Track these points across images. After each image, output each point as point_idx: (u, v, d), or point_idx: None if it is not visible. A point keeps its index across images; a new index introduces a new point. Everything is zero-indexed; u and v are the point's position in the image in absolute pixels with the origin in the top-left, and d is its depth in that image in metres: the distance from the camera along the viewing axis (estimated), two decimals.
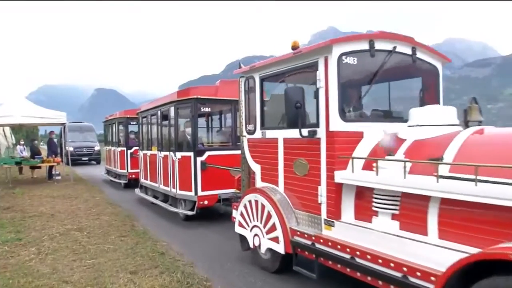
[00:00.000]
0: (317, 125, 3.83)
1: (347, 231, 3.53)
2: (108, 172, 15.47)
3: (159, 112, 8.58)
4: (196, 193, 7.18)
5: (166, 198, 8.59)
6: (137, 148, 12.72)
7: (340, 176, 3.60)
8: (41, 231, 6.83)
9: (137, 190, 10.73)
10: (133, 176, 12.80)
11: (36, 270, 4.82)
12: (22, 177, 16.44)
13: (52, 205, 9.43)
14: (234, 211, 5.30)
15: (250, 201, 4.72)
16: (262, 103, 4.88)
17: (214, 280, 4.47)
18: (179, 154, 7.52)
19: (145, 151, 9.80)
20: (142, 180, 10.12)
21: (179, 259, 5.24)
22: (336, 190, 3.66)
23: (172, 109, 7.76)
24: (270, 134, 4.63)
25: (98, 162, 24.54)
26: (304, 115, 3.95)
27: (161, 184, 8.55)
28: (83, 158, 24.40)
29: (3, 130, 22.58)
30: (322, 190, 3.80)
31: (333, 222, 3.69)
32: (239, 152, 5.48)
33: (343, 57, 3.68)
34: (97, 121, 23.62)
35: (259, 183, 4.87)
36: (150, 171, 9.31)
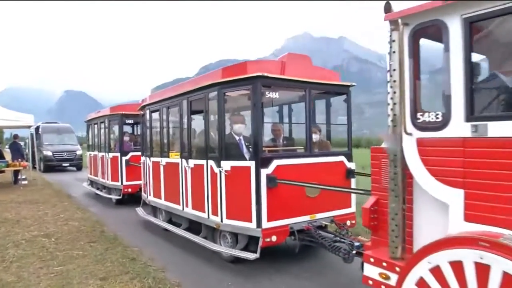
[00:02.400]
0: None
1: None
2: (92, 183, 12.51)
3: (184, 103, 5.93)
4: (259, 224, 4.63)
5: (193, 225, 5.98)
6: (135, 154, 10.06)
7: None
8: (5, 238, 6.56)
9: (140, 210, 8.01)
10: (129, 189, 10.01)
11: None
12: None
13: (17, 211, 9.03)
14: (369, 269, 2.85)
15: (456, 269, 2.28)
16: (470, 67, 2.45)
17: (186, 285, 4.48)
18: (226, 164, 4.94)
19: (155, 158, 7.09)
20: (150, 198, 7.40)
21: (151, 264, 5.19)
22: None
23: (213, 95, 5.16)
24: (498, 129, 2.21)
25: (79, 168, 21.54)
26: None
27: (188, 206, 5.90)
28: (64, 164, 21.12)
29: None
30: None
31: None
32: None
33: None
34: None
35: (456, 224, 2.44)
36: (166, 187, 6.64)
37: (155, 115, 7.27)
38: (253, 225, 4.66)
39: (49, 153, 20.74)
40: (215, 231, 5.40)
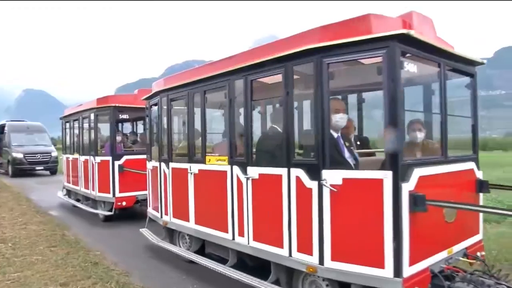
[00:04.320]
0: None
1: None
2: (70, 193, 10.17)
3: (238, 84, 4.02)
4: (398, 272, 2.87)
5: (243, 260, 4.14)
6: (132, 157, 7.98)
7: None
8: None
9: (147, 233, 6.02)
10: (124, 203, 7.89)
11: None
12: None
13: None
14: None
15: None
16: None
17: None
18: (331, 175, 3.14)
19: (179, 165, 5.12)
20: (167, 218, 5.38)
21: (114, 268, 5.05)
22: None
23: (303, 68, 3.36)
24: None
25: (54, 172, 18.76)
26: None
27: (244, 236, 3.98)
28: (37, 168, 18.23)
29: None
30: None
31: None
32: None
33: None
34: None
35: None
36: (200, 205, 4.66)
37: (178, 105, 5.32)
38: (387, 272, 2.89)
39: (20, 155, 17.79)
40: (298, 276, 3.59)
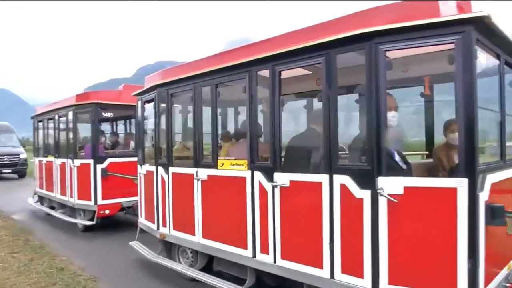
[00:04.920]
0: None
1: None
2: (43, 199, 9.18)
3: (263, 75, 3.49)
4: None
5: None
6: (116, 160, 7.21)
7: None
8: None
9: (138, 246, 5.33)
10: (107, 211, 7.09)
11: None
12: None
13: None
14: None
15: None
16: None
17: None
18: (391, 184, 2.64)
19: (182, 170, 4.47)
20: (165, 230, 4.66)
21: (81, 273, 4.88)
22: None
23: (349, 57, 2.84)
24: None
25: (22, 176, 17.29)
26: None
27: (268, 253, 3.40)
28: (4, 171, 16.64)
29: None
30: None
31: None
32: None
33: None
34: None
35: None
36: (209, 217, 4.01)
37: (180, 101, 4.68)
38: None
39: None
40: None
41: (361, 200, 2.78)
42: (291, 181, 3.24)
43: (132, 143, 8.36)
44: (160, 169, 4.86)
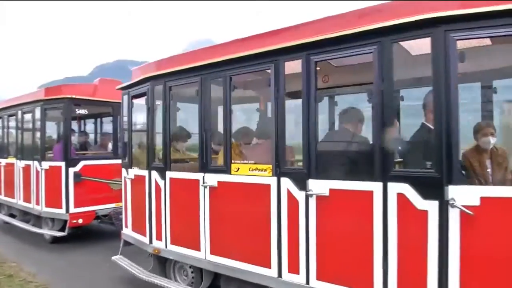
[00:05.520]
0: None
1: None
2: (0, 206, 8.06)
3: (292, 66, 2.97)
4: None
5: None
6: (91, 163, 6.42)
7: None
8: None
9: (122, 261, 4.67)
10: (80, 220, 6.26)
11: None
12: None
13: None
14: None
15: None
16: None
17: None
18: (470, 194, 2.26)
19: (182, 175, 3.88)
20: (160, 245, 4.00)
21: (32, 280, 4.68)
22: None
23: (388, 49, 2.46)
24: None
25: None
26: None
27: (304, 274, 2.95)
28: None
29: None
30: None
31: None
32: None
33: None
34: None
35: None
36: (218, 230, 3.42)
37: (181, 95, 4.07)
38: None
39: None
40: None
41: (424, 212, 2.37)
42: (331, 190, 2.77)
43: (110, 144, 7.57)
44: (155, 173, 4.22)
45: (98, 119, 8.92)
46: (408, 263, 2.45)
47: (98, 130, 9.01)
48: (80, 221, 6.26)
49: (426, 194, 2.37)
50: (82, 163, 6.32)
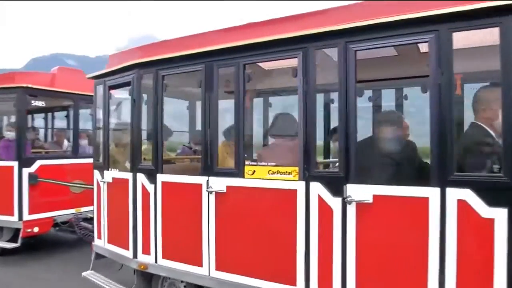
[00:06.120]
0: None
1: None
2: None
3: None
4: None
5: None
6: (49, 162, 5.59)
7: None
8: None
9: (94, 277, 4.04)
10: (36, 229, 5.39)
11: None
12: None
13: None
14: None
15: None
16: None
17: None
18: None
19: (181, 179, 3.34)
20: (146, 258, 3.43)
21: None
22: None
23: None
24: None
25: None
26: None
27: None
28: None
29: None
30: None
31: None
32: None
33: None
34: None
35: None
36: (226, 239, 2.98)
37: (177, 84, 3.51)
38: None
39: None
40: None
41: (490, 220, 2.12)
42: (375, 196, 2.44)
43: (66, 142, 6.69)
44: (141, 176, 3.61)
45: (49, 114, 7.94)
46: (469, 277, 2.19)
47: (49, 126, 8.04)
48: (36, 229, 5.39)
49: (492, 200, 2.11)
50: (38, 163, 5.43)
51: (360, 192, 2.48)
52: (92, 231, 5.40)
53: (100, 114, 4.34)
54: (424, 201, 2.28)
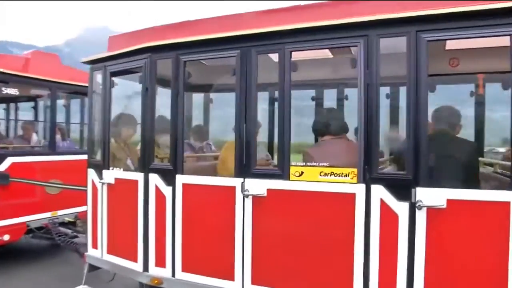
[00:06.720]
0: None
1: None
2: None
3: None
4: None
5: None
6: (24, 159, 4.91)
7: None
8: None
9: None
10: (6, 237, 4.67)
11: None
12: None
13: None
14: None
15: None
16: None
17: None
18: None
19: (200, 179, 2.95)
20: (181, 275, 2.99)
21: None
22: None
23: None
24: None
25: None
26: None
27: None
28: None
29: None
30: None
31: None
32: None
33: None
34: None
35: None
36: (267, 250, 2.63)
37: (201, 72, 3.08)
38: None
39: None
40: None
41: None
42: (449, 201, 2.22)
43: (35, 136, 5.94)
44: (155, 177, 3.15)
45: (12, 104, 7.07)
46: None
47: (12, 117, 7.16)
48: (6, 237, 4.66)
49: None
50: (9, 160, 4.70)
51: (432, 196, 2.25)
52: (72, 237, 4.81)
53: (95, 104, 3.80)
54: (506, 205, 2.10)
